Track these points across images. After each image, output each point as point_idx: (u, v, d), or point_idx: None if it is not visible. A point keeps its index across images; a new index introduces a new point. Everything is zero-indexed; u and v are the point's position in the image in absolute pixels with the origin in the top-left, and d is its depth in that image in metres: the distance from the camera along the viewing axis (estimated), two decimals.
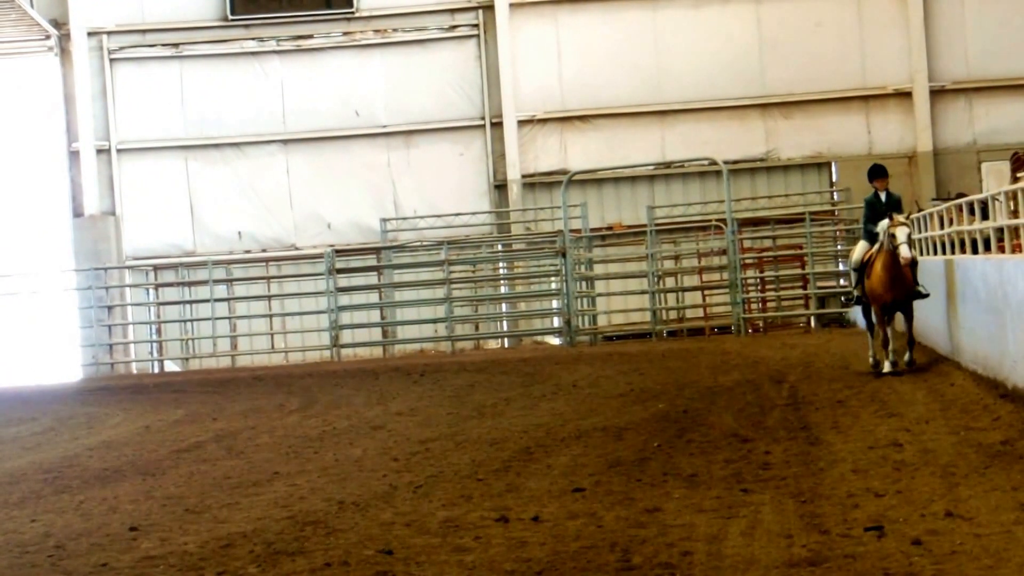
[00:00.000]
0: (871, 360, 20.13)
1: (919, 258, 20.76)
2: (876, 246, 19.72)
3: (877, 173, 20.36)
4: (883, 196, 19.97)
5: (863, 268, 20.10)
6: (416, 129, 36.93)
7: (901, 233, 19.09)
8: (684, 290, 35.38)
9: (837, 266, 35.82)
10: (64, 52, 36.80)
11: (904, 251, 19.02)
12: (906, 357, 19.82)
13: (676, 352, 28.20)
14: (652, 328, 34.20)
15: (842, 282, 35.57)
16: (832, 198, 36.82)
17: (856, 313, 26.88)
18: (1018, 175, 23.28)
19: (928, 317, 21.87)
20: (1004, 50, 35.62)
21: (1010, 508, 9.63)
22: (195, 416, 21.38)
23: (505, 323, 36.79)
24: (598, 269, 35.85)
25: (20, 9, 34.68)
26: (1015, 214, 18.58)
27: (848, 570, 8.26)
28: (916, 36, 35.95)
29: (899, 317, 20.69)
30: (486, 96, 36.81)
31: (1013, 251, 18.10)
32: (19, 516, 12.37)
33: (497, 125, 36.71)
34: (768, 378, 20.87)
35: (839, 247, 35.71)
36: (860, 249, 20.46)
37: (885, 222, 19.39)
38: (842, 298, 22.12)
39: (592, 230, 35.63)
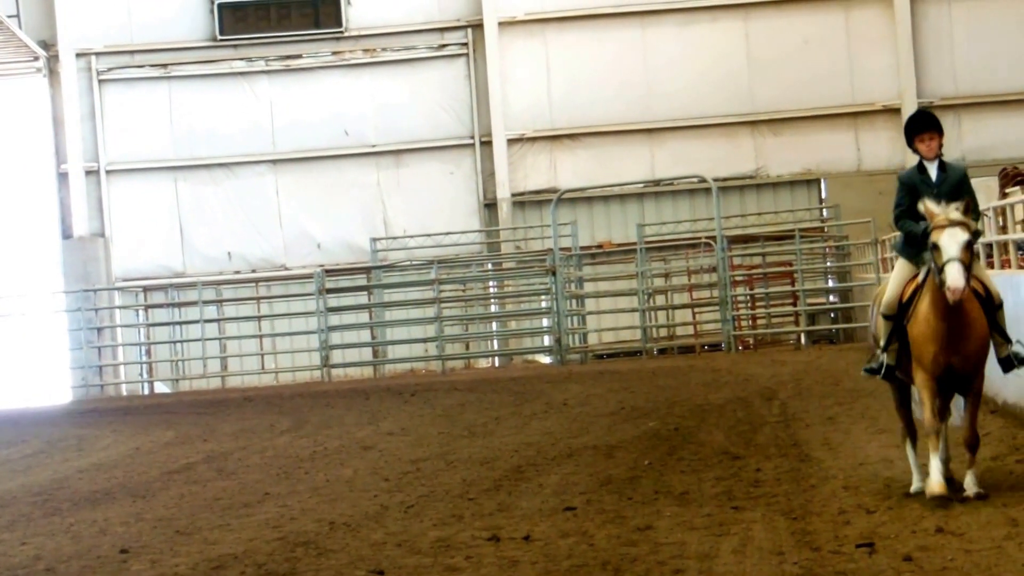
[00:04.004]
0: (914, 480, 11.29)
1: (998, 290, 11.20)
2: (924, 272, 10.90)
3: (920, 124, 11.18)
4: (932, 170, 11.10)
5: (900, 315, 11.07)
6: (406, 148, 36.89)
7: (950, 243, 10.45)
8: (674, 308, 35.39)
9: (827, 283, 35.85)
10: (52, 73, 36.75)
11: (953, 277, 10.31)
12: (968, 481, 10.83)
13: (666, 370, 28.20)
14: (642, 346, 34.16)
15: (831, 298, 35.61)
16: (821, 215, 36.85)
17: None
18: (1007, 191, 23.31)
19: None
20: (992, 67, 35.67)
21: (1000, 524, 9.65)
22: (185, 437, 21.34)
23: (495, 342, 36.75)
24: (588, 287, 35.84)
25: (8, 31, 34.61)
26: (1003, 229, 18.66)
27: None
28: (904, 53, 36.00)
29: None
30: (475, 115, 36.81)
31: (1002, 267, 18.16)
32: (9, 539, 12.34)
33: (487, 144, 36.69)
34: (758, 395, 20.88)
35: (828, 264, 35.76)
36: (895, 280, 11.25)
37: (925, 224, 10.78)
38: (863, 370, 11.74)
39: (582, 248, 35.60)
